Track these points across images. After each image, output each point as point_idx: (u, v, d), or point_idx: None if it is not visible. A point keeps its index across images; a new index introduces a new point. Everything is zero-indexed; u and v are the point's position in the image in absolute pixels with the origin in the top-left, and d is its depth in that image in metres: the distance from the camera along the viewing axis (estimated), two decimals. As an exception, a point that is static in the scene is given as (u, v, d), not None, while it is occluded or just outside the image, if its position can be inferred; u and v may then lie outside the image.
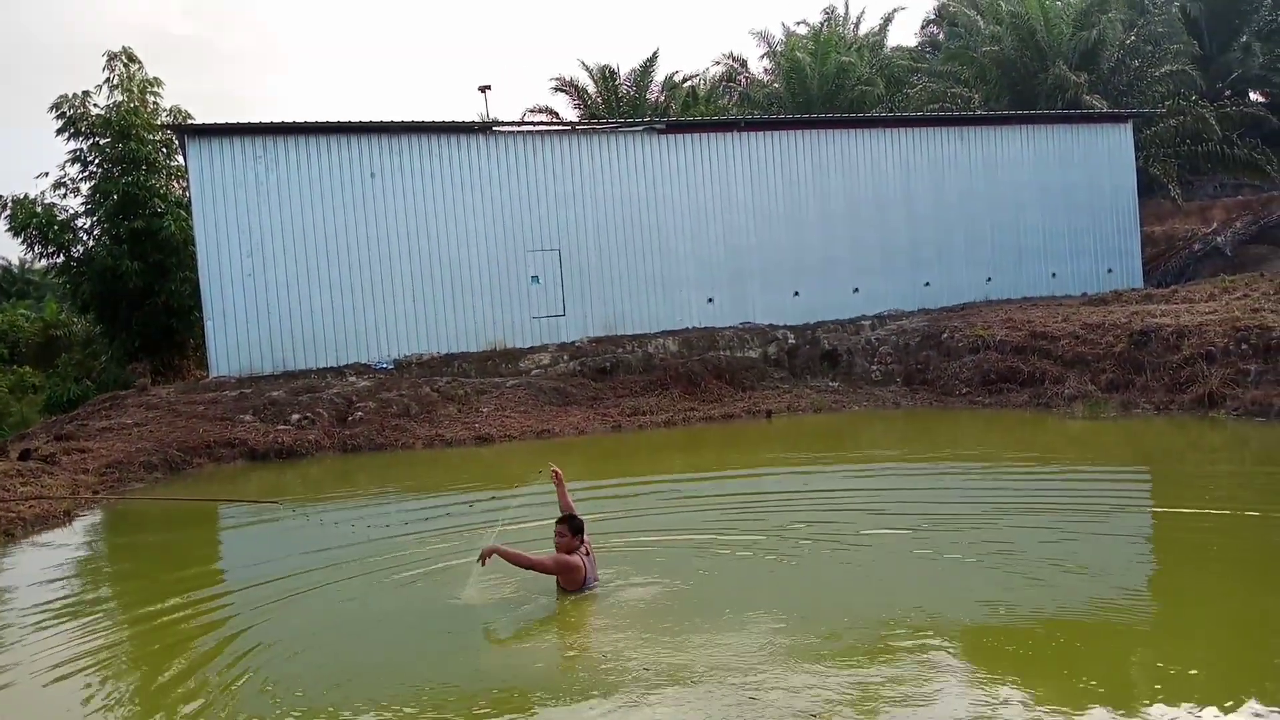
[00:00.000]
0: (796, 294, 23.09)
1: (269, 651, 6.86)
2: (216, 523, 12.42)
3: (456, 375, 20.17)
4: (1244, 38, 32.61)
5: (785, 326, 22.46)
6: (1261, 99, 32.78)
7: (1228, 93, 32.75)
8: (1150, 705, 5.29)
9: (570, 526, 7.45)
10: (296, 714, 5.70)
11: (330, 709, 5.74)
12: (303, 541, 10.46)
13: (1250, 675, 5.71)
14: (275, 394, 18.43)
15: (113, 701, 6.08)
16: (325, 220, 20.21)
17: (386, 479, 14.58)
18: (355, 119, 20.52)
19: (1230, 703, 5.24)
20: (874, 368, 21.16)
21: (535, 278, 21.54)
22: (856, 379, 21.00)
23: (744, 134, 23.23)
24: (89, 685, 6.33)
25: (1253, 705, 5.17)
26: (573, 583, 7.37)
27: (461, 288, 21.04)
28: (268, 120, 20.07)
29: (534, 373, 20.67)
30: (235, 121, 19.97)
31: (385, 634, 7.16)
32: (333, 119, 20.42)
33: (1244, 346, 16.05)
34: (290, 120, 20.20)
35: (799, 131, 23.70)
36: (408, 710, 5.67)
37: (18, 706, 6.10)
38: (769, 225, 23.11)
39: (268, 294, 19.86)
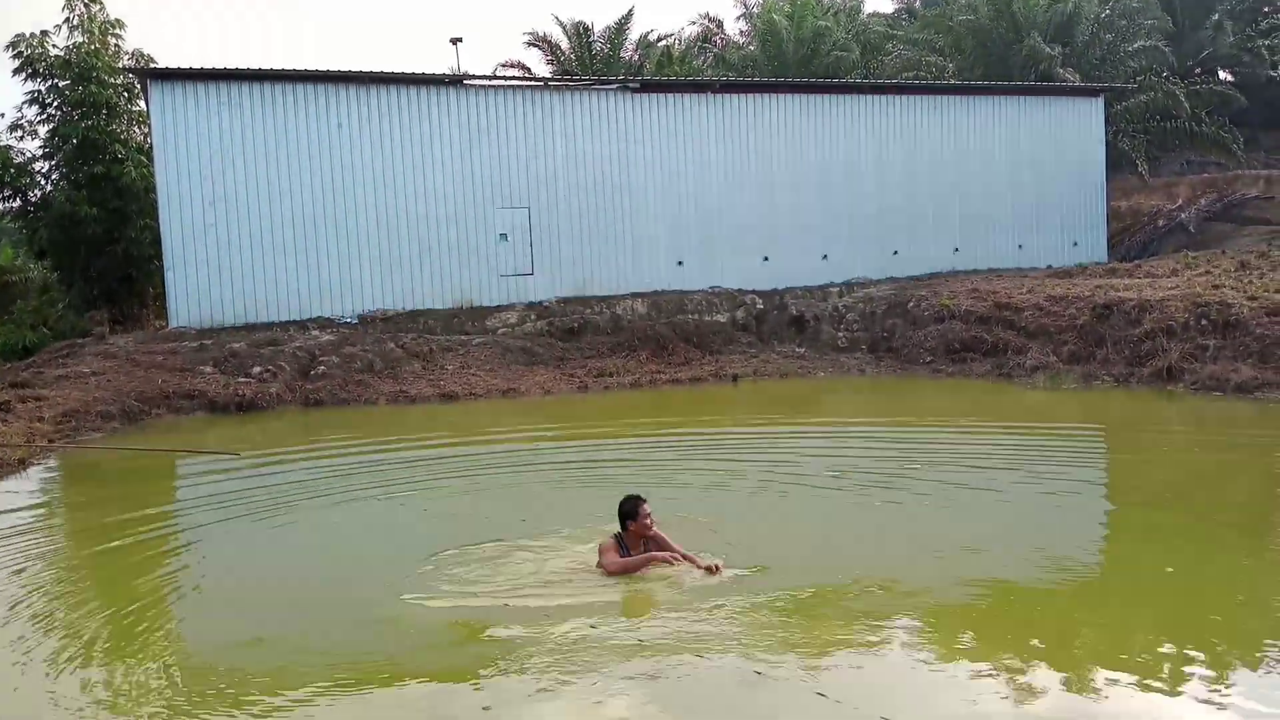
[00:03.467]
0: (766, 259, 23.05)
1: (209, 593, 7.18)
2: (173, 472, 12.28)
3: (422, 332, 19.99)
4: (1215, 16, 32.85)
5: (754, 291, 22.44)
6: (1230, 78, 32.99)
7: (1198, 70, 32.97)
8: (1097, 663, 5.42)
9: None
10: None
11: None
12: (257, 490, 10.40)
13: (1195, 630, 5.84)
14: (236, 346, 18.20)
15: (56, 641, 6.19)
16: (290, 170, 19.85)
17: (349, 433, 14.45)
18: (322, 68, 20.15)
19: (1177, 659, 5.36)
20: (840, 335, 21.25)
21: (504, 235, 21.33)
22: (823, 345, 21.08)
23: (718, 96, 23.03)
24: (36, 623, 6.52)
25: (1199, 663, 5.29)
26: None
27: (428, 243, 20.80)
28: (232, 66, 19.65)
29: (501, 331, 20.55)
30: (198, 67, 19.53)
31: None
32: (299, 67, 20.04)
33: (1204, 322, 16.29)
34: (256, 67, 19.78)
35: (773, 95, 23.54)
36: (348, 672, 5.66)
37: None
38: (741, 189, 23.01)
39: (230, 244, 19.51)
